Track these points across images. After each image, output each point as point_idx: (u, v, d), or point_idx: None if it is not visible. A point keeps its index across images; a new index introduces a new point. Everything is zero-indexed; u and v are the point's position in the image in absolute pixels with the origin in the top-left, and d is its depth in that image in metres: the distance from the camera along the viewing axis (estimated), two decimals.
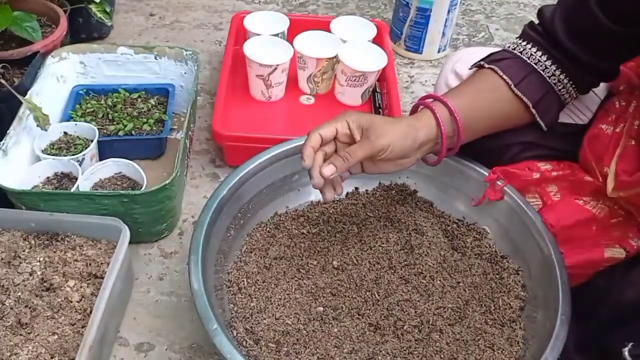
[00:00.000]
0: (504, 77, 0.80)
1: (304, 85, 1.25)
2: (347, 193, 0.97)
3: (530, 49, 0.81)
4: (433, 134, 0.77)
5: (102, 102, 1.16)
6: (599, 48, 0.76)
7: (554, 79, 0.80)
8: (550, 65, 0.80)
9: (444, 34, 1.45)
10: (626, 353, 0.64)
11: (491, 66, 0.81)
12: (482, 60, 0.84)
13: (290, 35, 1.25)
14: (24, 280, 0.85)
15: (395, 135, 0.74)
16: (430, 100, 0.80)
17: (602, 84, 0.89)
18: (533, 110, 0.81)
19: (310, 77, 1.22)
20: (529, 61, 0.80)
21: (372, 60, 1.20)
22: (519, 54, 0.81)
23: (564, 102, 0.83)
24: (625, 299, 0.70)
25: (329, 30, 1.26)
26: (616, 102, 0.84)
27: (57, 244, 0.89)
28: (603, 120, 0.84)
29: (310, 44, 1.20)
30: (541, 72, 0.80)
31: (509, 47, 0.83)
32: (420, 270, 0.85)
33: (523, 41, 0.82)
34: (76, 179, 0.98)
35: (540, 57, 0.80)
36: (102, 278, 0.83)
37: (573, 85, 0.81)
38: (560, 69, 0.80)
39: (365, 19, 1.31)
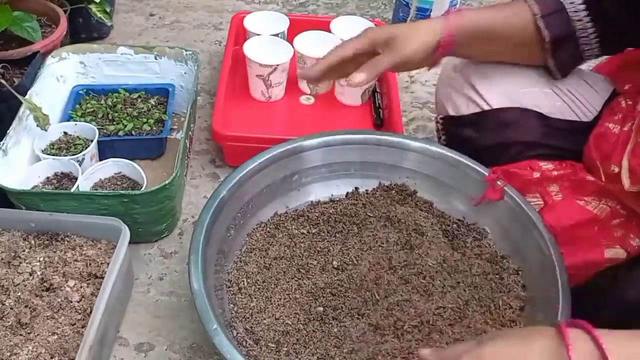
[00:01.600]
0: (532, 5, 0.81)
1: (304, 85, 1.25)
2: (347, 193, 0.97)
3: None
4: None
5: (102, 102, 1.16)
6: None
7: (580, 25, 0.79)
8: (583, 11, 0.79)
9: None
10: None
11: None
12: None
13: (290, 35, 1.25)
14: (24, 280, 0.85)
15: (417, 43, 0.82)
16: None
17: (604, 83, 0.89)
18: (548, 46, 0.80)
19: None
20: (564, 3, 0.80)
21: None
22: None
23: (584, 54, 0.82)
24: (627, 299, 0.70)
25: (329, 30, 1.26)
26: (622, 101, 0.84)
27: (57, 244, 0.89)
28: (609, 118, 0.83)
29: (310, 44, 1.20)
30: (570, 12, 0.80)
31: None
32: (420, 270, 0.85)
33: None
34: (76, 179, 0.98)
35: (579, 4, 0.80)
36: (102, 278, 0.83)
37: (598, 42, 0.80)
38: (592, 22, 0.79)
39: (365, 19, 1.31)
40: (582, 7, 0.80)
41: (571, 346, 0.50)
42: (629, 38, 0.80)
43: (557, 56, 0.82)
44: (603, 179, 0.81)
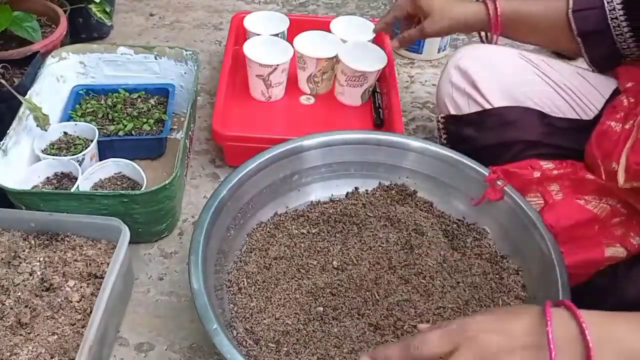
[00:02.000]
0: None
1: (303, 85, 1.25)
2: (347, 193, 0.97)
3: None
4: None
5: (102, 102, 1.16)
6: None
7: (615, 23, 0.82)
8: (620, 10, 0.81)
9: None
10: None
11: None
12: None
13: (290, 35, 1.25)
14: (24, 280, 0.85)
15: (448, 21, 0.97)
16: None
17: (605, 82, 0.89)
18: (578, 39, 0.84)
19: (310, 77, 1.22)
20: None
21: (372, 60, 1.20)
22: None
23: (622, 52, 0.84)
24: (627, 297, 0.70)
25: (328, 30, 1.26)
26: (624, 100, 0.84)
27: (57, 244, 0.89)
28: (611, 117, 0.84)
29: (310, 44, 1.20)
30: (607, 9, 0.82)
31: None
32: (420, 270, 0.85)
33: None
34: (76, 179, 0.98)
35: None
36: (102, 278, 0.83)
37: (633, 38, 0.82)
38: (627, 20, 0.81)
39: (365, 19, 1.31)
40: (620, 6, 0.81)
41: (550, 322, 0.51)
42: None
43: (589, 51, 0.86)
44: (603, 177, 0.81)
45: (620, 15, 0.81)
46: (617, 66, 0.88)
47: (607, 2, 0.82)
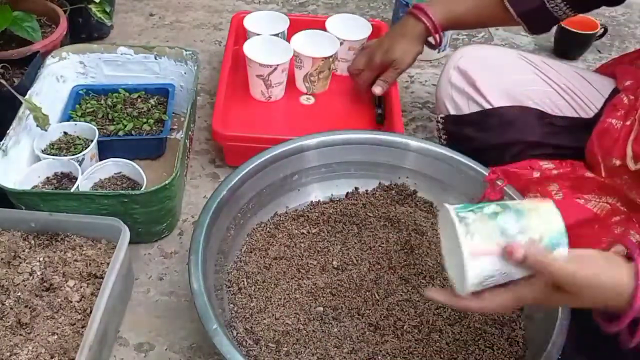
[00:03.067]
0: None
1: (300, 84, 1.25)
2: (347, 193, 0.97)
3: None
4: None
5: (102, 102, 1.16)
6: None
7: None
8: None
9: (444, 34, 1.45)
10: None
11: None
12: None
13: (290, 35, 1.25)
14: (24, 280, 0.85)
15: (412, 53, 1.07)
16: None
17: (604, 82, 0.89)
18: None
19: (306, 76, 1.22)
20: None
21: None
22: None
23: (552, 10, 0.90)
24: None
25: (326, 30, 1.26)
26: (624, 98, 0.84)
27: (57, 244, 0.89)
28: (612, 115, 0.84)
29: (307, 43, 1.20)
30: None
31: None
32: (420, 270, 0.85)
33: None
34: (76, 179, 0.98)
35: None
36: (102, 278, 0.83)
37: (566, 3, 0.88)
38: None
39: (360, 18, 1.31)
40: None
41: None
42: None
43: (531, 27, 0.93)
44: (603, 174, 0.81)
45: None
46: (550, 28, 0.97)
47: None
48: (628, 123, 0.81)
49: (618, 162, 0.78)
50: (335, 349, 0.76)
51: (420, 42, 1.06)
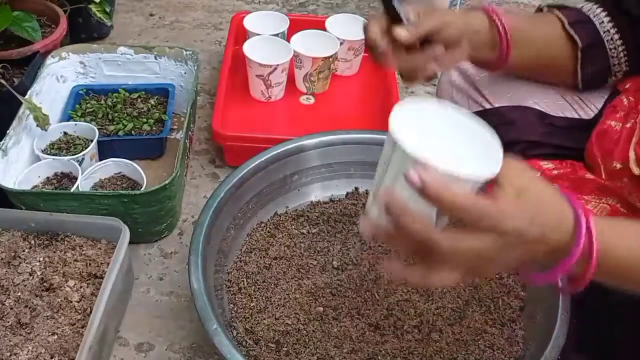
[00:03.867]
0: (560, 15, 0.81)
1: (300, 84, 1.25)
2: (347, 193, 0.97)
3: (595, 8, 0.82)
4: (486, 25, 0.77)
5: (102, 102, 1.16)
6: None
7: (607, 36, 0.81)
8: (611, 28, 0.80)
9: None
10: None
11: (551, 8, 0.83)
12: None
13: (290, 35, 1.25)
14: (24, 280, 0.85)
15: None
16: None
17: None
18: (579, 53, 0.81)
19: (306, 76, 1.22)
20: (587, 14, 0.81)
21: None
22: (585, 10, 0.82)
23: (612, 69, 0.83)
24: (627, 297, 0.70)
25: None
26: (624, 99, 0.84)
27: (57, 244, 0.89)
28: (611, 116, 0.84)
29: (307, 43, 1.20)
30: (597, 24, 0.81)
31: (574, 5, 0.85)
32: None
33: (590, 1, 0.83)
34: (76, 179, 0.98)
35: (604, 16, 0.81)
36: (102, 278, 0.83)
37: (626, 56, 0.81)
38: (619, 34, 0.80)
39: (360, 18, 1.31)
40: (607, 18, 0.81)
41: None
42: None
43: (585, 68, 0.83)
44: (604, 176, 0.81)
45: (610, 28, 0.81)
46: (601, 86, 0.86)
47: (594, 15, 0.82)
48: (628, 125, 0.81)
49: (619, 166, 0.78)
50: (335, 349, 0.76)
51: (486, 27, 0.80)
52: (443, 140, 0.54)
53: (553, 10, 0.83)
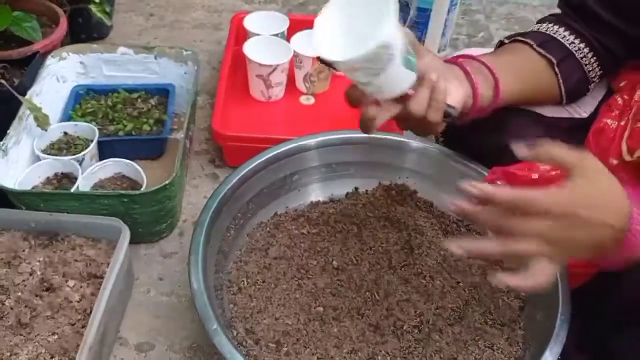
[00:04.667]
0: (526, 40, 0.83)
1: (300, 84, 1.25)
2: (347, 193, 0.97)
3: (553, 27, 0.84)
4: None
5: (102, 102, 1.16)
6: (632, 14, 0.79)
7: (574, 47, 0.83)
8: (574, 39, 0.83)
9: (443, 34, 1.45)
10: None
11: (513, 38, 0.86)
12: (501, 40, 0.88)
13: (290, 35, 1.25)
14: (24, 280, 0.85)
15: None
16: (461, 59, 0.79)
17: (599, 83, 0.89)
18: (556, 69, 0.83)
19: (306, 76, 1.22)
20: (548, 33, 0.84)
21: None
22: (543, 30, 0.85)
23: (589, 75, 0.85)
24: (628, 298, 0.70)
25: None
26: (618, 98, 0.85)
27: (57, 244, 0.89)
28: (607, 115, 0.85)
29: (307, 43, 1.20)
30: (560, 39, 0.84)
31: (530, 29, 0.87)
32: (420, 270, 0.85)
33: (543, 22, 0.86)
34: (76, 179, 0.98)
35: (563, 32, 0.84)
36: (102, 278, 0.83)
37: (596, 61, 0.84)
38: (584, 43, 0.83)
39: None
40: (567, 32, 0.84)
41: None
42: (621, 50, 0.84)
43: (566, 81, 0.84)
44: None
45: (574, 40, 0.84)
46: (584, 95, 0.89)
47: (554, 33, 0.84)
48: (622, 123, 0.82)
49: (615, 162, 0.79)
50: (335, 349, 0.76)
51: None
52: (355, 21, 0.59)
53: (517, 39, 0.85)
